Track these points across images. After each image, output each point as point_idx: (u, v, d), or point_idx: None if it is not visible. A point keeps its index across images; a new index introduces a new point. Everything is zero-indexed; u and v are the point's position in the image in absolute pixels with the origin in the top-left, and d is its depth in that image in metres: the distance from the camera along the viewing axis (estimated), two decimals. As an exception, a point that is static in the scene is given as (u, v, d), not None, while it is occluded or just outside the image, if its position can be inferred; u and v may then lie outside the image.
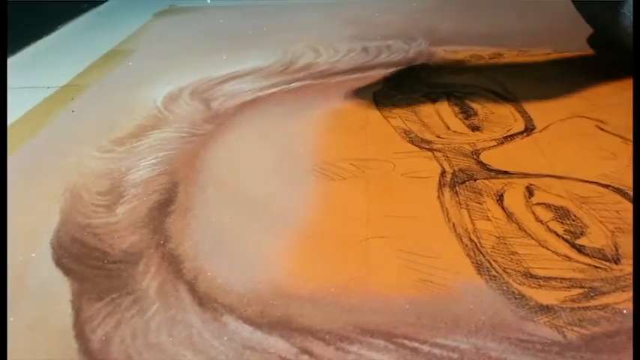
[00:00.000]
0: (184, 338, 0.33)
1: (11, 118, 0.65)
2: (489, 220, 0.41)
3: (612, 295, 0.34)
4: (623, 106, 0.57)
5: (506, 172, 0.47)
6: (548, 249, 0.38)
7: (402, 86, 0.66)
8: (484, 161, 0.49)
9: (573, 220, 0.41)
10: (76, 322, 0.35)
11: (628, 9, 0.59)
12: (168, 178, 0.50)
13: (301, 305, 0.35)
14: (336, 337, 0.33)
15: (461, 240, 0.40)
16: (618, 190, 0.44)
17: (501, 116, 0.57)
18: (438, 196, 0.45)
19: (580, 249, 0.38)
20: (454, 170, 0.48)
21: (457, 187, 0.46)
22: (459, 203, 0.44)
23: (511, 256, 0.38)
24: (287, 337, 0.33)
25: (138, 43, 0.94)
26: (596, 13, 0.68)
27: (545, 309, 0.34)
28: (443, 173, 0.48)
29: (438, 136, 0.54)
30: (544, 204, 0.43)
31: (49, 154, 0.56)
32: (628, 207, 0.42)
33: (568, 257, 0.37)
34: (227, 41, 0.90)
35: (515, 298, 0.35)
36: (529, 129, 0.54)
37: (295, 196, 0.46)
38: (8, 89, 0.75)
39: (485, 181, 0.46)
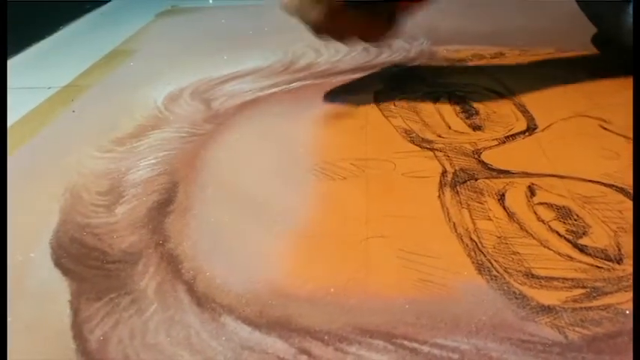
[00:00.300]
0: (182, 338, 0.33)
1: (12, 119, 0.65)
2: (490, 219, 0.41)
3: (615, 296, 0.34)
4: (626, 106, 0.56)
5: (507, 172, 0.47)
6: (549, 249, 0.38)
7: (403, 85, 0.66)
8: (485, 161, 0.49)
9: (575, 220, 0.40)
10: (74, 322, 0.35)
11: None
12: (168, 177, 0.50)
13: (300, 305, 0.35)
14: (335, 338, 0.32)
15: (461, 240, 0.40)
16: (621, 190, 0.43)
17: (503, 115, 0.57)
18: (439, 196, 0.45)
19: (582, 249, 0.38)
20: (455, 170, 0.48)
21: (458, 187, 0.45)
22: (460, 203, 0.43)
23: (512, 256, 0.38)
24: (285, 338, 0.33)
25: (139, 43, 0.94)
26: (600, 12, 0.67)
27: (547, 309, 0.33)
28: (444, 173, 0.48)
29: (439, 136, 0.54)
30: (546, 204, 0.42)
31: (49, 154, 0.56)
32: (631, 207, 0.41)
33: (570, 257, 0.37)
34: (228, 41, 0.89)
35: (517, 298, 0.34)
36: (531, 128, 0.54)
37: (295, 196, 0.46)
38: (10, 89, 0.75)
39: (487, 181, 0.46)
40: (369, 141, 0.54)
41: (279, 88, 0.68)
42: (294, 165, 0.51)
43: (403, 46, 0.79)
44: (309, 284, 0.37)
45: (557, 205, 0.42)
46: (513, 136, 0.53)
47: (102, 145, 0.57)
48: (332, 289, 0.36)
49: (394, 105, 0.61)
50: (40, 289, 0.38)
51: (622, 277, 0.35)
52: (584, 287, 0.35)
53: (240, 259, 0.40)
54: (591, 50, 0.74)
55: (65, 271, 0.40)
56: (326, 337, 0.32)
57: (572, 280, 0.35)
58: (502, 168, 0.47)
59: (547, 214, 0.41)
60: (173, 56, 0.85)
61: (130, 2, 1.27)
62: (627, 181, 0.44)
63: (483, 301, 0.34)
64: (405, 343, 0.32)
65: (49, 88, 0.74)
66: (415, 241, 0.40)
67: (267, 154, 0.53)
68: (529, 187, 0.45)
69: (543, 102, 0.59)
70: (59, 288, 0.38)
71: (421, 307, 0.34)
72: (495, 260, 0.37)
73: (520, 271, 0.36)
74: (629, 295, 0.34)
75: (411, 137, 0.54)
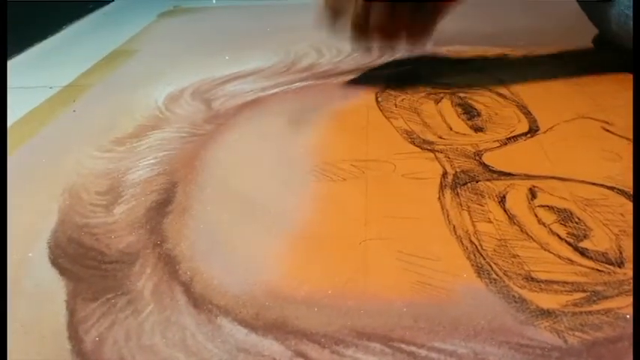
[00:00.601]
0: (178, 340, 0.33)
1: (13, 119, 0.65)
2: (491, 222, 0.41)
3: (615, 300, 0.34)
4: (629, 107, 0.56)
5: (509, 174, 0.47)
6: (550, 252, 0.38)
7: (405, 86, 0.65)
8: (487, 162, 0.48)
9: (577, 223, 0.40)
10: (70, 322, 0.35)
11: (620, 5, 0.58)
12: (168, 178, 0.50)
13: (297, 307, 0.35)
14: (331, 341, 0.32)
15: (461, 242, 0.39)
16: (623, 193, 0.43)
17: (505, 117, 0.56)
18: (439, 198, 0.44)
19: (583, 252, 0.37)
20: (456, 171, 0.47)
21: (458, 189, 0.45)
22: (460, 205, 0.43)
23: (512, 259, 0.37)
24: (282, 340, 0.32)
25: (141, 43, 0.94)
26: (599, 12, 0.67)
27: (546, 313, 0.33)
28: (444, 174, 0.47)
29: (441, 137, 0.53)
30: (547, 206, 0.42)
31: (48, 154, 0.56)
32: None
33: (570, 260, 0.37)
34: (230, 41, 0.89)
35: (516, 301, 0.34)
36: (533, 130, 0.54)
37: (294, 197, 0.46)
38: (12, 89, 0.75)
39: (488, 183, 0.45)
40: (370, 142, 0.54)
41: (281, 89, 0.68)
42: (293, 166, 0.51)
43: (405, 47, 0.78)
44: (307, 286, 0.36)
45: (558, 208, 0.42)
46: (515, 138, 0.52)
47: (102, 144, 0.57)
48: (329, 291, 0.36)
49: (395, 106, 0.61)
50: (37, 288, 0.38)
51: (623, 280, 0.35)
52: (584, 291, 0.34)
53: (237, 260, 0.39)
54: (594, 51, 0.73)
55: (62, 271, 0.39)
56: (322, 340, 0.32)
57: (572, 283, 0.35)
58: (503, 170, 0.47)
59: (548, 217, 0.41)
60: (175, 56, 0.85)
61: (133, 2, 1.27)
62: (629, 184, 0.44)
63: (482, 304, 0.34)
64: (403, 346, 0.31)
65: (51, 87, 0.74)
66: (414, 243, 0.40)
67: (267, 155, 0.53)
68: (530, 189, 0.44)
69: (546, 103, 0.59)
70: (56, 288, 0.38)
71: (419, 310, 0.34)
72: (495, 263, 0.37)
73: (520, 274, 0.36)
74: (630, 299, 0.33)
75: (411, 138, 0.54)
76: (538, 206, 0.42)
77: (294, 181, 0.48)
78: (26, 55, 0.93)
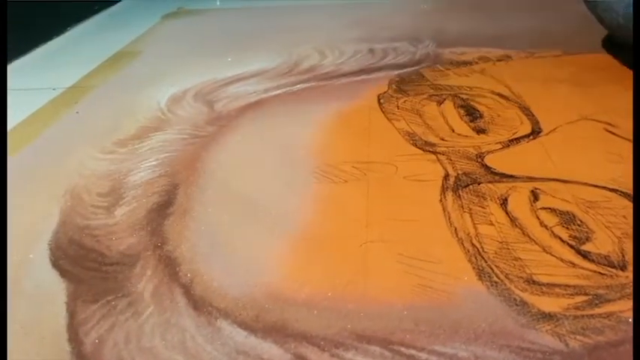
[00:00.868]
0: (177, 342, 0.33)
1: (16, 120, 0.65)
2: (492, 224, 0.41)
3: (617, 303, 0.33)
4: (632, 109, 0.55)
5: (511, 176, 0.46)
6: (552, 255, 0.37)
7: (408, 88, 0.65)
8: (489, 164, 0.48)
9: (579, 226, 0.40)
10: (70, 324, 0.35)
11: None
12: (169, 179, 0.50)
13: (297, 310, 0.34)
14: (331, 344, 0.32)
15: (462, 245, 0.39)
16: (626, 195, 0.42)
17: (507, 119, 0.56)
18: (441, 200, 0.44)
19: (585, 255, 0.37)
20: (458, 173, 0.47)
21: (460, 191, 0.45)
22: (462, 207, 0.43)
23: (514, 262, 0.37)
24: (281, 343, 0.32)
25: (145, 44, 0.94)
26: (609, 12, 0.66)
27: (548, 316, 0.33)
28: (446, 176, 0.47)
29: (442, 139, 0.53)
30: (549, 208, 0.42)
31: (51, 155, 0.56)
32: (636, 212, 0.41)
33: (572, 263, 0.36)
34: (233, 43, 0.89)
35: (517, 305, 0.34)
36: (536, 132, 0.53)
37: (296, 199, 0.46)
38: (16, 91, 0.75)
39: (490, 185, 0.45)
40: (372, 144, 0.53)
41: (283, 90, 0.68)
42: (295, 167, 0.51)
43: (408, 49, 0.78)
44: (307, 288, 0.36)
45: (560, 211, 0.41)
46: (517, 140, 0.52)
47: (104, 146, 0.57)
48: (329, 294, 0.36)
49: (398, 107, 0.60)
50: (37, 290, 0.38)
51: (625, 284, 0.34)
52: (586, 294, 0.34)
53: (238, 261, 0.39)
54: (597, 52, 0.73)
55: (63, 273, 0.39)
56: (322, 343, 0.32)
57: (574, 287, 0.35)
58: (505, 172, 0.47)
59: (550, 220, 0.40)
60: (178, 58, 0.85)
61: (137, 4, 1.28)
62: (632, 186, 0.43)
63: (483, 307, 0.34)
64: (403, 349, 0.31)
65: (54, 89, 0.75)
66: (415, 245, 0.39)
67: (269, 156, 0.53)
68: (532, 191, 0.44)
69: (548, 105, 0.58)
70: (56, 289, 0.38)
71: (420, 313, 0.34)
72: (496, 266, 0.37)
73: (521, 277, 0.36)
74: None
75: (413, 140, 0.53)
76: (540, 209, 0.42)
77: (295, 183, 0.48)
78: (31, 56, 0.93)
